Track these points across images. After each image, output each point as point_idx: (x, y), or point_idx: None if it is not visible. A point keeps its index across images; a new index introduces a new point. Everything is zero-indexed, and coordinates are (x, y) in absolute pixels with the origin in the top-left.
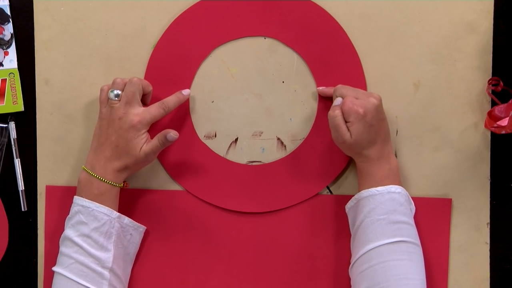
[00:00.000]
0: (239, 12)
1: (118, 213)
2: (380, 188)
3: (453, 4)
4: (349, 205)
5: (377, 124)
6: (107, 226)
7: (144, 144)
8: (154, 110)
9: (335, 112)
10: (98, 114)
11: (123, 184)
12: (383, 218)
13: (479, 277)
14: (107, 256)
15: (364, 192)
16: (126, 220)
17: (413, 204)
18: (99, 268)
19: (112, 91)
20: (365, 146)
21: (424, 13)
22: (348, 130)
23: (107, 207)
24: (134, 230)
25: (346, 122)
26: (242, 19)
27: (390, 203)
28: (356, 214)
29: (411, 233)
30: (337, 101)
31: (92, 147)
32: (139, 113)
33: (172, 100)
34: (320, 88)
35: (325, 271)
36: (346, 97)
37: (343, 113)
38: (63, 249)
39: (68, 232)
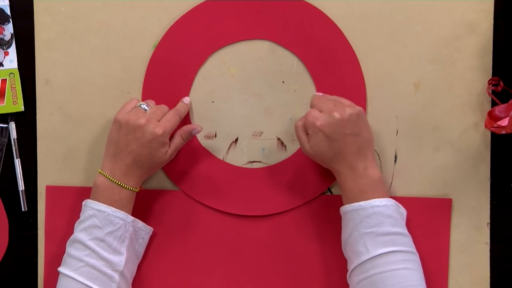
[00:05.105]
0: (239, 14)
1: (132, 217)
2: (362, 203)
3: (453, 4)
4: (340, 211)
5: (340, 138)
6: (122, 230)
7: (168, 149)
8: (172, 118)
9: (297, 123)
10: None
11: (139, 188)
12: (370, 231)
13: (479, 277)
14: (120, 260)
15: (348, 207)
16: (140, 224)
17: (402, 207)
18: (109, 271)
19: (143, 104)
20: (331, 159)
21: (424, 13)
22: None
23: (123, 212)
24: (146, 234)
25: (307, 134)
26: (241, 22)
27: (375, 217)
28: (343, 224)
29: (404, 242)
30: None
31: (108, 152)
32: (159, 124)
33: (182, 108)
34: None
35: (326, 272)
36: (310, 110)
37: (304, 125)
38: (73, 251)
39: (80, 235)
